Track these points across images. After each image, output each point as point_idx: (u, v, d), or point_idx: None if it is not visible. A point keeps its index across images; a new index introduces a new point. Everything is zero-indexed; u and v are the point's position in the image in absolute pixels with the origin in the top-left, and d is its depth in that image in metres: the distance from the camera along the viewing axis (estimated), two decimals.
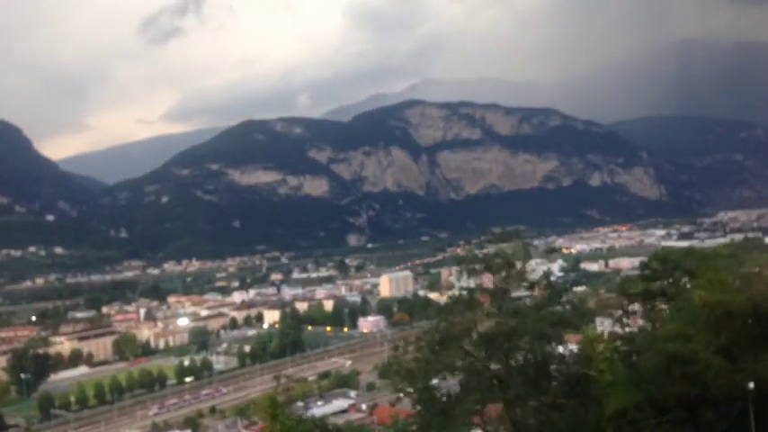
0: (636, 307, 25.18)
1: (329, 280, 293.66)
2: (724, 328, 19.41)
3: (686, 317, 20.02)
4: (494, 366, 18.22)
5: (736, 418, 19.95)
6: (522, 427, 17.87)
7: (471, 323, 17.69)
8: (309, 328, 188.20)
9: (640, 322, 24.69)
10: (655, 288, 24.21)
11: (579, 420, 17.77)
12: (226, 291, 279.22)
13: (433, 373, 18.08)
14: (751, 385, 19.35)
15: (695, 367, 18.38)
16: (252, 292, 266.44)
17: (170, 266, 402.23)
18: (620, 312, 25.39)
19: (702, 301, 19.39)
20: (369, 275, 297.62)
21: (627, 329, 24.46)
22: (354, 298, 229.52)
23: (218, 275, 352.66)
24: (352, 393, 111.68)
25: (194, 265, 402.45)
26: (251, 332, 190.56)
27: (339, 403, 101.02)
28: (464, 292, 20.57)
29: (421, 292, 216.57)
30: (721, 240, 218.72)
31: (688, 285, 23.91)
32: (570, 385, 18.70)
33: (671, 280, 24.48)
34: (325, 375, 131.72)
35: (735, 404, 19.66)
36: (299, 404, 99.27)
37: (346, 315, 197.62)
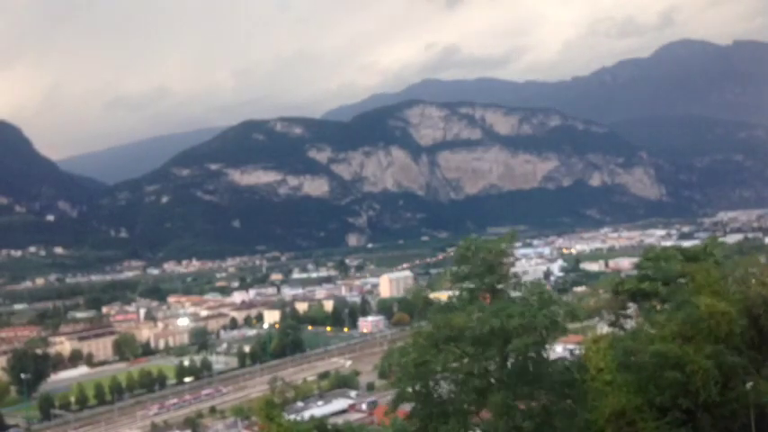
0: (632, 307, 25.10)
1: (329, 280, 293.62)
2: (725, 338, 19.30)
3: (684, 319, 19.93)
4: (490, 367, 18.21)
5: (738, 428, 19.82)
6: (518, 428, 17.87)
7: (468, 323, 17.64)
8: (309, 328, 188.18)
9: (636, 322, 24.61)
10: (647, 287, 24.10)
11: (574, 422, 17.76)
12: (226, 291, 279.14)
13: (431, 374, 18.06)
14: (749, 385, 19.31)
15: (687, 370, 18.33)
16: (252, 292, 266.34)
17: (170, 266, 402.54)
18: (616, 313, 25.31)
19: (709, 311, 19.26)
20: (369, 275, 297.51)
21: (624, 330, 24.41)
22: (354, 298, 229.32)
23: (218, 275, 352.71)
24: (352, 393, 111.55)
25: (194, 265, 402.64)
26: (251, 332, 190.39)
27: (339, 403, 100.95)
28: (464, 293, 20.50)
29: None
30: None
31: (680, 282, 23.78)
32: (565, 387, 18.68)
33: (663, 281, 24.34)
34: (325, 375, 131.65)
35: (737, 414, 19.54)
36: (300, 404, 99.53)
37: (346, 315, 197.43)
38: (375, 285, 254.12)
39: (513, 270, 20.56)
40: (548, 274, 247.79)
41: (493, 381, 17.87)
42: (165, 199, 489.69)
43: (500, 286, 19.78)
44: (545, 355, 19.01)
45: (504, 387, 17.52)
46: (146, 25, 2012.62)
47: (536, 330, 17.35)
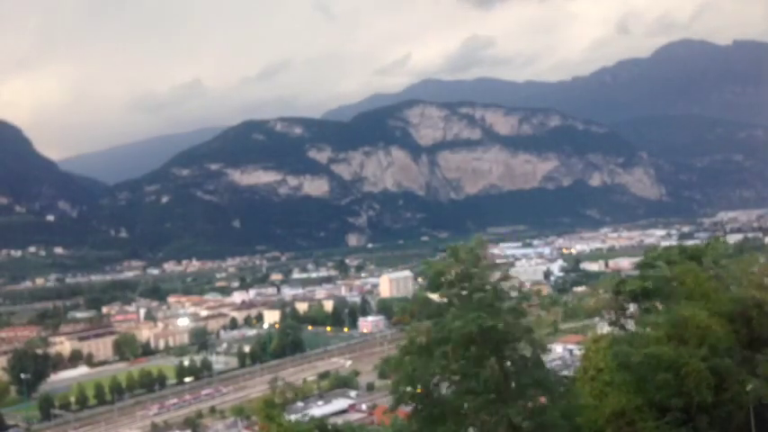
0: (632, 307, 25.07)
1: (329, 280, 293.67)
2: (713, 344, 19.31)
3: (675, 321, 19.95)
4: (487, 369, 18.17)
5: (735, 428, 19.84)
6: (516, 428, 17.86)
7: (450, 328, 17.59)
8: (309, 328, 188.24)
9: (636, 322, 24.60)
10: (649, 288, 24.08)
11: (572, 422, 17.75)
12: (226, 291, 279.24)
13: (428, 376, 18.04)
14: (749, 387, 19.32)
15: (681, 372, 18.34)
16: (252, 292, 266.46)
17: (170, 266, 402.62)
18: (616, 313, 25.30)
19: (695, 322, 19.28)
20: (369, 275, 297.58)
21: (625, 329, 24.39)
22: (354, 298, 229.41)
23: (218, 275, 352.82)
24: (352, 393, 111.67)
25: (194, 265, 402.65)
26: (251, 332, 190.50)
27: (339, 403, 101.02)
28: (454, 298, 20.37)
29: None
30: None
31: (673, 285, 23.79)
32: (562, 388, 18.65)
33: (664, 281, 24.33)
34: (325, 375, 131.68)
35: (732, 415, 19.55)
36: (300, 404, 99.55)
37: (346, 315, 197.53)
38: (375, 285, 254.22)
39: (495, 274, 20.11)
40: (548, 274, 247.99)
41: (489, 382, 17.84)
42: (165, 199, 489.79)
43: (477, 296, 19.60)
44: (542, 357, 18.96)
45: (500, 388, 17.51)
46: (173, 23, 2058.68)
47: (530, 333, 17.22)
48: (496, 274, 19.30)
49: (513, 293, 19.29)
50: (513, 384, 17.87)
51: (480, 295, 18.17)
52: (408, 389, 18.37)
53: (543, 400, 18.25)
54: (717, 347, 19.20)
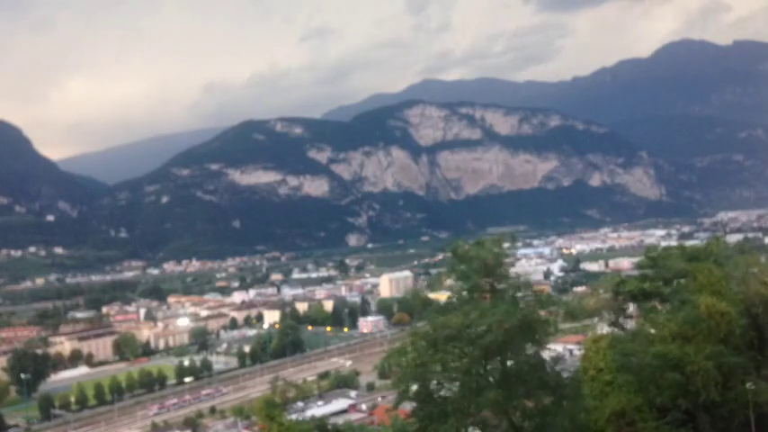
0: (632, 307, 25.06)
1: (329, 280, 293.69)
2: (725, 338, 19.27)
3: (685, 318, 19.92)
4: (489, 367, 18.16)
5: (736, 428, 19.81)
6: (518, 428, 17.84)
7: (464, 324, 17.58)
8: (309, 328, 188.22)
9: (636, 323, 24.57)
10: (648, 288, 24.03)
11: (573, 422, 17.73)
12: (226, 291, 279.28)
13: (431, 374, 18.02)
14: (749, 385, 19.30)
15: (687, 371, 18.32)
16: (252, 292, 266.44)
17: (170, 266, 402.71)
18: (616, 313, 25.28)
19: (708, 311, 19.21)
20: (369, 275, 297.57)
21: (624, 330, 24.38)
22: (354, 298, 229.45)
23: (218, 275, 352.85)
24: (353, 393, 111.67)
25: (194, 266, 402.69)
26: (251, 332, 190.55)
27: (339, 403, 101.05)
28: (464, 293, 20.40)
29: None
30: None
31: (681, 282, 23.74)
32: (563, 387, 18.65)
33: (664, 281, 24.29)
34: (325, 375, 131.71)
35: (735, 414, 19.53)
36: (300, 404, 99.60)
37: (346, 315, 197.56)
38: (375, 285, 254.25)
39: (513, 270, 20.38)
40: (548, 274, 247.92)
41: (492, 380, 17.82)
42: (165, 199, 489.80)
43: (500, 286, 19.69)
44: (542, 356, 18.95)
45: (503, 387, 17.48)
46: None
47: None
48: (514, 272, 19.49)
49: (527, 292, 19.48)
50: (517, 384, 17.84)
51: (504, 288, 18.38)
52: (411, 386, 18.35)
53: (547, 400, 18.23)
54: (726, 343, 19.18)
